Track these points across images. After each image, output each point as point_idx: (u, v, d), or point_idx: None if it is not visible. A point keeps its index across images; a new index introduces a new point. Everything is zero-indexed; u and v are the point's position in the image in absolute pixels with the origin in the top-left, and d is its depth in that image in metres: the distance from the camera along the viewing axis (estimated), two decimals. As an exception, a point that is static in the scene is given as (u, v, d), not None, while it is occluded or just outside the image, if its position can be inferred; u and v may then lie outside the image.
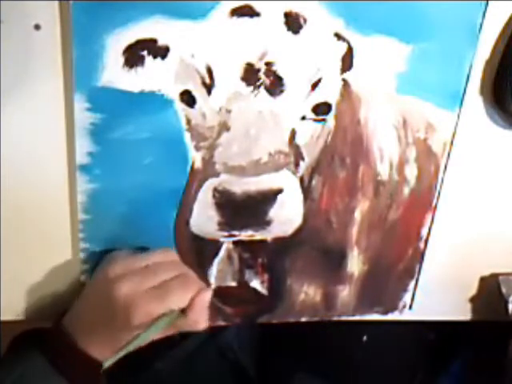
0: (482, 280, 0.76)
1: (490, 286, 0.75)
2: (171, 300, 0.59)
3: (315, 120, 0.64)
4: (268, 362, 0.80)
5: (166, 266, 0.62)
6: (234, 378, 0.78)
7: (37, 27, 0.56)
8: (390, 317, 0.75)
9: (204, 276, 0.68)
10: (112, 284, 0.59)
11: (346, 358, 0.79)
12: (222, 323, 0.71)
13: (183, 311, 0.60)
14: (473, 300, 0.77)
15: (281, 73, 0.61)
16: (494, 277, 0.75)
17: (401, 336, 0.80)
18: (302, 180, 0.66)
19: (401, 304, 0.75)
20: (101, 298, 0.60)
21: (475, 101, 0.66)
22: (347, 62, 0.62)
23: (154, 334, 0.60)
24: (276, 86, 0.61)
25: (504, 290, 0.72)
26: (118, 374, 0.62)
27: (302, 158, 0.65)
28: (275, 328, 0.72)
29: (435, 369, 0.85)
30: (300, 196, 0.67)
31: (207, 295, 0.61)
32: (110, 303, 0.59)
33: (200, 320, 0.61)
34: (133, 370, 0.64)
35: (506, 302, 0.72)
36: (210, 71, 0.60)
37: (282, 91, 0.61)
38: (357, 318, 0.75)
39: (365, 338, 0.79)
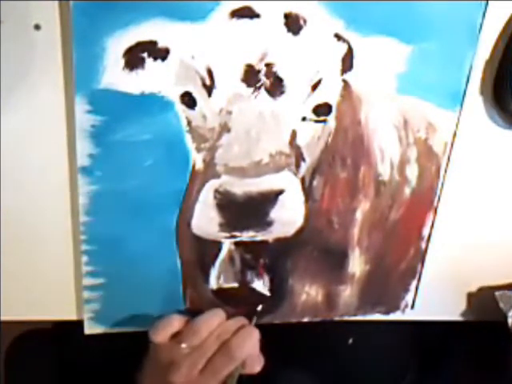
0: (484, 279, 0.76)
1: (491, 286, 0.75)
2: (222, 375, 0.63)
3: (316, 121, 0.64)
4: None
5: (207, 345, 0.63)
6: None
7: (37, 27, 0.56)
8: (392, 317, 0.75)
9: (206, 277, 0.69)
10: (167, 376, 0.62)
11: (332, 357, 0.79)
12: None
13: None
14: (475, 300, 0.77)
15: (281, 74, 0.61)
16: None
17: (391, 336, 0.80)
18: (303, 181, 0.66)
19: (403, 304, 0.75)
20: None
21: (475, 101, 0.66)
22: (347, 62, 0.62)
23: None
24: (276, 87, 0.61)
25: (502, 305, 0.72)
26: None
27: (303, 159, 0.65)
28: (262, 328, 0.72)
29: (428, 369, 0.85)
30: (301, 197, 0.67)
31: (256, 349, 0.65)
32: None
33: (256, 364, 0.65)
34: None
35: (506, 317, 0.72)
36: (210, 73, 0.60)
37: (282, 92, 0.61)
38: (359, 317, 0.75)
39: (350, 340, 0.78)
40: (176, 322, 0.65)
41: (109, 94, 0.59)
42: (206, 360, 0.63)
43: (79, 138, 0.60)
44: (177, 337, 0.64)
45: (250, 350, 0.64)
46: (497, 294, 0.73)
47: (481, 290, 0.76)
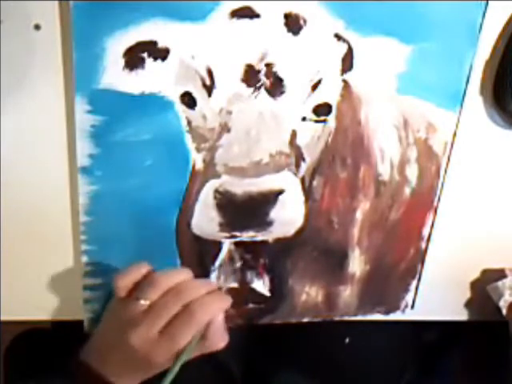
0: (484, 279, 0.76)
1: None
2: (182, 340, 0.58)
3: (316, 121, 0.64)
4: (252, 362, 0.79)
5: (167, 303, 0.59)
6: (218, 378, 0.78)
7: (37, 27, 0.57)
8: (392, 317, 0.75)
9: (206, 277, 0.69)
10: (124, 334, 0.59)
11: (330, 357, 0.79)
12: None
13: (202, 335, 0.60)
14: (475, 300, 0.77)
15: (281, 74, 0.61)
16: (498, 272, 0.75)
17: (391, 336, 0.80)
18: (303, 181, 0.66)
19: (403, 304, 0.75)
20: (117, 343, 0.60)
21: (475, 101, 0.66)
22: (347, 62, 0.62)
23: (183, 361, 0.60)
24: (276, 87, 0.61)
25: (494, 298, 0.72)
26: None
27: (303, 159, 0.65)
28: (261, 328, 0.72)
29: (428, 369, 0.85)
30: (301, 197, 0.67)
31: (219, 317, 0.60)
32: (127, 350, 0.59)
33: (219, 340, 0.61)
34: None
35: (499, 308, 0.72)
36: (210, 73, 0.60)
37: (282, 92, 0.61)
38: (359, 317, 0.75)
39: (347, 340, 0.78)
40: (143, 270, 0.61)
41: (109, 94, 0.59)
42: (166, 321, 0.59)
43: (79, 138, 0.60)
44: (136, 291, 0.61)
45: (213, 315, 0.60)
46: (488, 287, 0.73)
47: (481, 290, 0.76)
